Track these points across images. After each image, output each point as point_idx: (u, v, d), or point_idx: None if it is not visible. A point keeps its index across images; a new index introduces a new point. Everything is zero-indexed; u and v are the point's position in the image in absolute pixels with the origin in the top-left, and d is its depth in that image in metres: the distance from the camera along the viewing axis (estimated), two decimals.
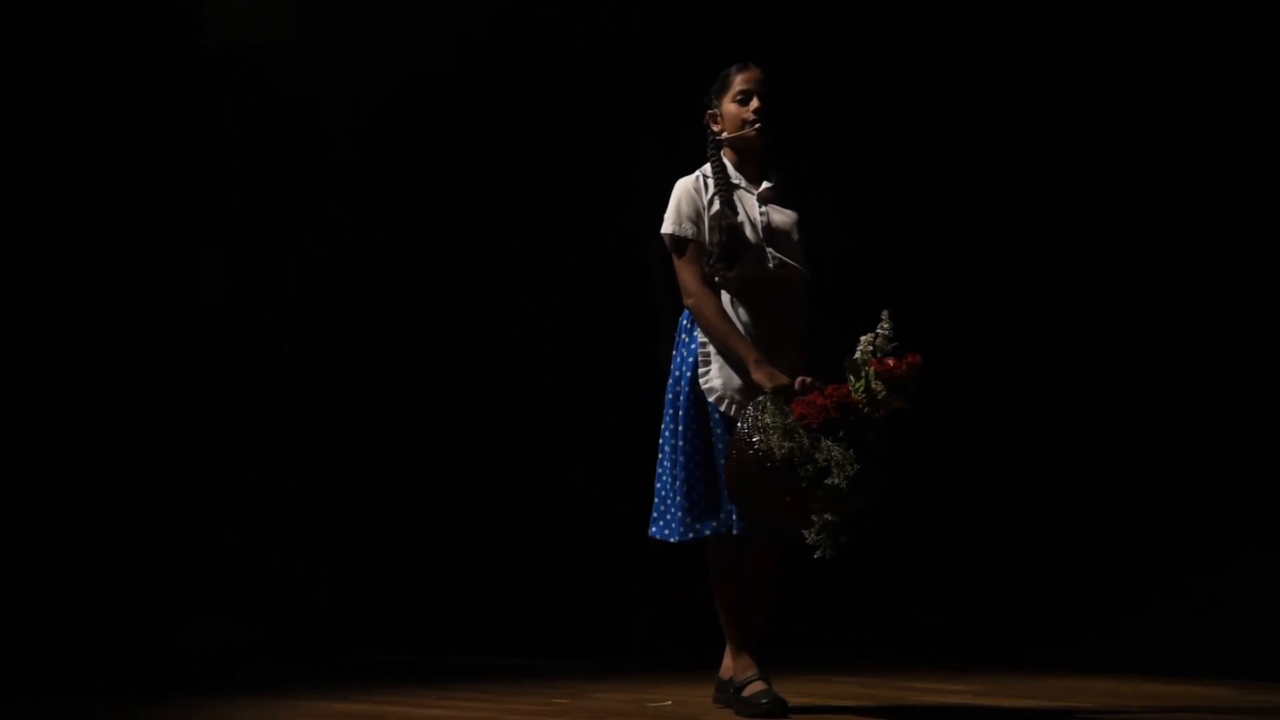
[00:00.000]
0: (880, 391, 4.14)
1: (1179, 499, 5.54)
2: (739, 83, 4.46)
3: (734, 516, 4.34)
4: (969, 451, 5.82)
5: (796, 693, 4.61)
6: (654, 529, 4.47)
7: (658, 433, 4.52)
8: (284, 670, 5.45)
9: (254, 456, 6.15)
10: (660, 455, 4.47)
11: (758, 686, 4.43)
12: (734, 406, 4.34)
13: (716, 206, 4.41)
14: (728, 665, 4.57)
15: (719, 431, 4.38)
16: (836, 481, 4.05)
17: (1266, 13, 5.45)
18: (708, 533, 4.39)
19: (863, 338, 4.21)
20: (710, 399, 4.38)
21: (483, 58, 6.06)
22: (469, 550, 6.00)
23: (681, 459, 4.40)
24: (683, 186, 4.47)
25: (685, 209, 4.43)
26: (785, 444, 4.10)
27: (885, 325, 4.19)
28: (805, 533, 4.13)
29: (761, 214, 4.44)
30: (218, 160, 5.43)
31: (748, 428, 4.18)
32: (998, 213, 5.85)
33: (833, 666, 5.55)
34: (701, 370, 4.40)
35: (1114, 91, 5.69)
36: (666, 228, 4.45)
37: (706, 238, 4.41)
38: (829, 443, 4.09)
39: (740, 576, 4.47)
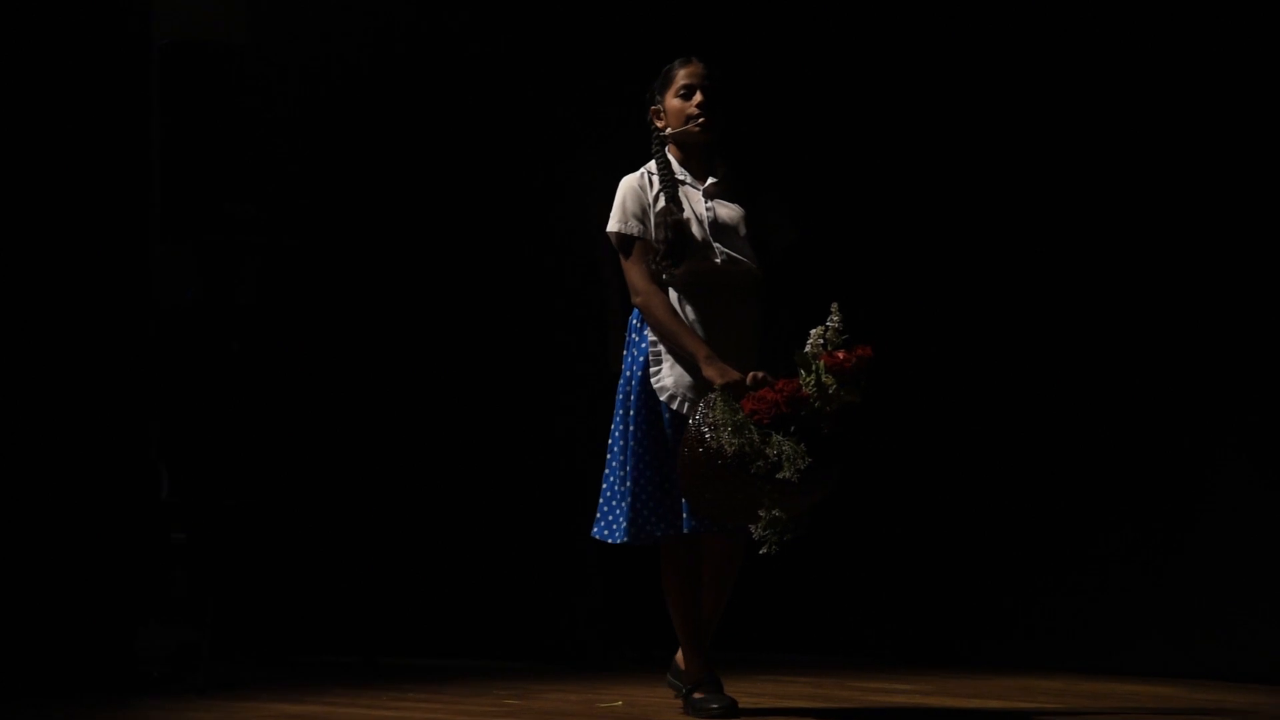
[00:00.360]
0: (831, 385, 4.15)
1: (1126, 498, 5.57)
2: (682, 77, 4.44)
3: (684, 516, 4.34)
4: (918, 447, 5.84)
5: (746, 693, 4.63)
6: (596, 529, 4.47)
7: (607, 433, 4.53)
8: (236, 672, 5.44)
9: (202, 456, 6.14)
10: (609, 455, 4.46)
11: (709, 689, 4.44)
12: (686, 405, 4.33)
13: (662, 203, 4.40)
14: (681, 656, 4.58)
15: (670, 431, 4.37)
16: (788, 475, 4.04)
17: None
18: (658, 534, 4.39)
19: (812, 331, 4.21)
20: (662, 398, 4.37)
21: (431, 51, 6.05)
22: (421, 551, 5.99)
23: (632, 459, 4.39)
24: (627, 184, 4.46)
25: (630, 206, 4.43)
26: (735, 440, 4.10)
27: (835, 318, 4.19)
28: (751, 528, 4.15)
29: (708, 209, 4.43)
30: (170, 158, 5.39)
31: (699, 425, 4.18)
32: (948, 205, 5.83)
33: (783, 666, 5.57)
34: (653, 369, 4.39)
35: (1056, 83, 5.67)
36: (612, 226, 4.44)
37: (653, 235, 4.40)
38: (779, 437, 4.09)
39: (694, 577, 4.47)
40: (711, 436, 4.12)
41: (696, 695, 4.44)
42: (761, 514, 4.08)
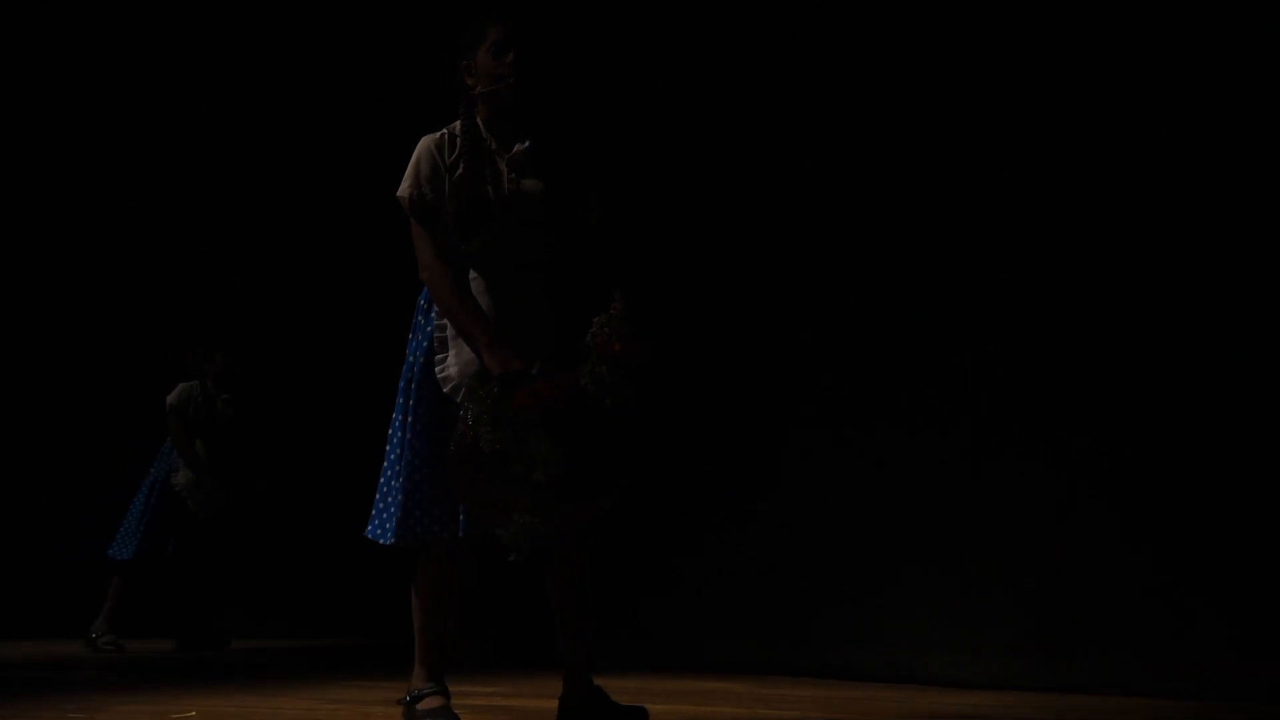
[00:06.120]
0: (606, 377, 3.73)
1: (699, 505, 5.70)
2: (495, 32, 4.01)
3: (461, 518, 3.92)
4: None
5: (331, 700, 4.53)
6: (369, 528, 4.01)
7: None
8: None
9: None
10: (387, 447, 4.00)
11: (434, 701, 4.02)
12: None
13: (460, 170, 3.97)
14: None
15: (450, 423, 3.89)
16: (539, 479, 3.64)
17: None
18: (429, 536, 3.95)
19: (595, 319, 3.77)
20: (445, 389, 3.92)
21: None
22: None
23: (409, 453, 3.94)
24: (424, 145, 4.01)
25: (424, 169, 3.97)
26: (493, 437, 3.67)
27: (618, 305, 3.79)
28: (499, 533, 3.74)
29: (510, 179, 4.00)
30: None
31: (463, 418, 3.74)
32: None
33: (363, 672, 5.50)
34: (438, 356, 3.95)
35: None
36: (402, 190, 3.98)
37: (446, 203, 3.96)
38: (539, 436, 3.65)
39: (447, 587, 4.04)
40: (471, 431, 3.72)
41: (421, 706, 4.01)
42: (515, 518, 3.69)
